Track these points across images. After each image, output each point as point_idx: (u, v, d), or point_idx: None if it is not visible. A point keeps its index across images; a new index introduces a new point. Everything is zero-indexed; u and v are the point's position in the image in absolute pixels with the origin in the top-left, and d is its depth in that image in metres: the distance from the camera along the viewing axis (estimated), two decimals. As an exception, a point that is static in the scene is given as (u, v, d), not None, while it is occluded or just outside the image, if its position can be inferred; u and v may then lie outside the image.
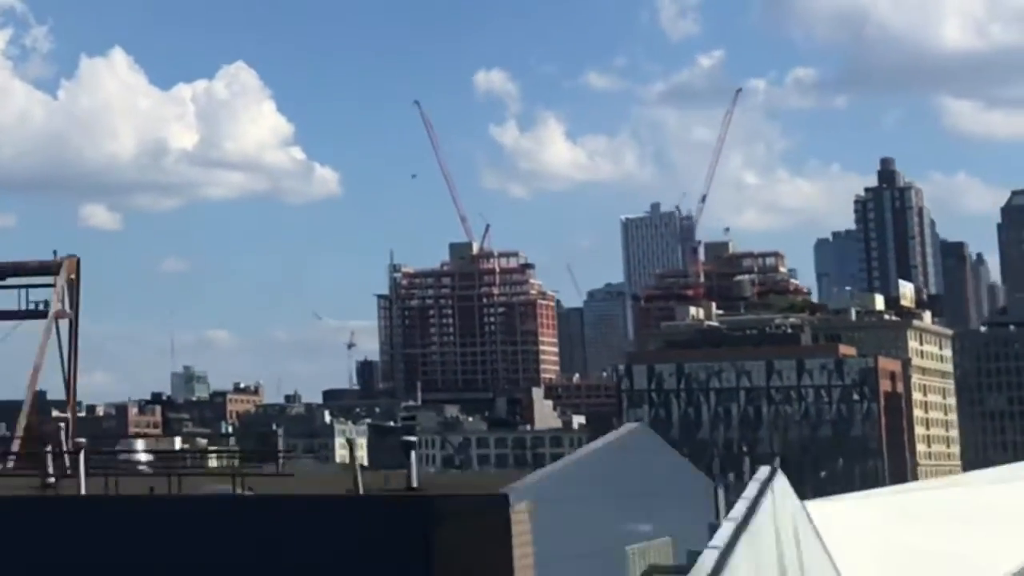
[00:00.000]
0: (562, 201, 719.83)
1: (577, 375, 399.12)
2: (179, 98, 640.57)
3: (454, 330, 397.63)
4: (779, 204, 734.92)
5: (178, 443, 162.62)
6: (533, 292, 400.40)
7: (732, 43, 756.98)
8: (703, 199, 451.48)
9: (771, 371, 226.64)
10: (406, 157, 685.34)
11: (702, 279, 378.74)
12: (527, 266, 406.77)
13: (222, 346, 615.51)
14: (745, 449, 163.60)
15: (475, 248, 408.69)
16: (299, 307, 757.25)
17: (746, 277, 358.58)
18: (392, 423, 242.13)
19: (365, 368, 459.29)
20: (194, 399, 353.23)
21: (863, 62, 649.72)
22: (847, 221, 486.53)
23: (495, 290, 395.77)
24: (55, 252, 64.11)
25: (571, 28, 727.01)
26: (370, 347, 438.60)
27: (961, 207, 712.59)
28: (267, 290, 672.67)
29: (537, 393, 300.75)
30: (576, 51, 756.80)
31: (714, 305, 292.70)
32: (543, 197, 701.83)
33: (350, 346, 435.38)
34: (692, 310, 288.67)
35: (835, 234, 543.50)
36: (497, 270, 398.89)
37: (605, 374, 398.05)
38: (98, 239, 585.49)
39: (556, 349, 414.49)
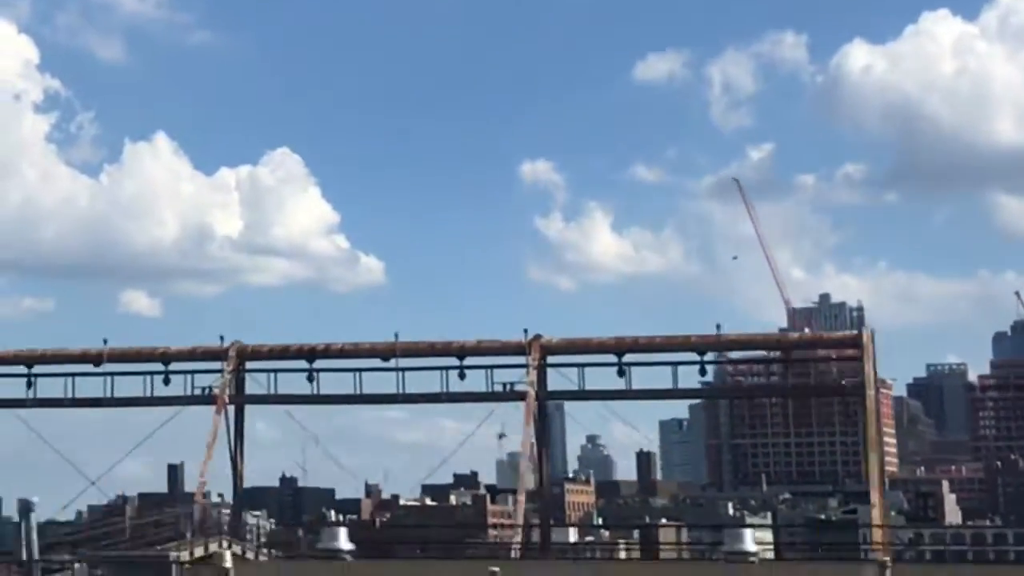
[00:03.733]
0: (615, 293, 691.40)
1: (922, 468, 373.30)
2: (223, 184, 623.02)
3: (785, 419, 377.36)
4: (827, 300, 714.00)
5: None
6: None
7: (783, 136, 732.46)
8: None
9: None
10: (452, 247, 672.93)
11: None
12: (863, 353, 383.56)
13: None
14: None
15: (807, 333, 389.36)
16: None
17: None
18: (822, 517, 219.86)
19: (643, 459, 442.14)
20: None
21: (914, 158, 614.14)
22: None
23: (831, 378, 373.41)
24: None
25: (620, 120, 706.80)
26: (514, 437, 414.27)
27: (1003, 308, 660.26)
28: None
29: (945, 486, 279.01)
30: (625, 143, 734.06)
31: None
32: (592, 290, 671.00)
33: (501, 436, 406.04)
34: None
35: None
36: (833, 356, 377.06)
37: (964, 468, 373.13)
38: (137, 325, 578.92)
39: (895, 440, 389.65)
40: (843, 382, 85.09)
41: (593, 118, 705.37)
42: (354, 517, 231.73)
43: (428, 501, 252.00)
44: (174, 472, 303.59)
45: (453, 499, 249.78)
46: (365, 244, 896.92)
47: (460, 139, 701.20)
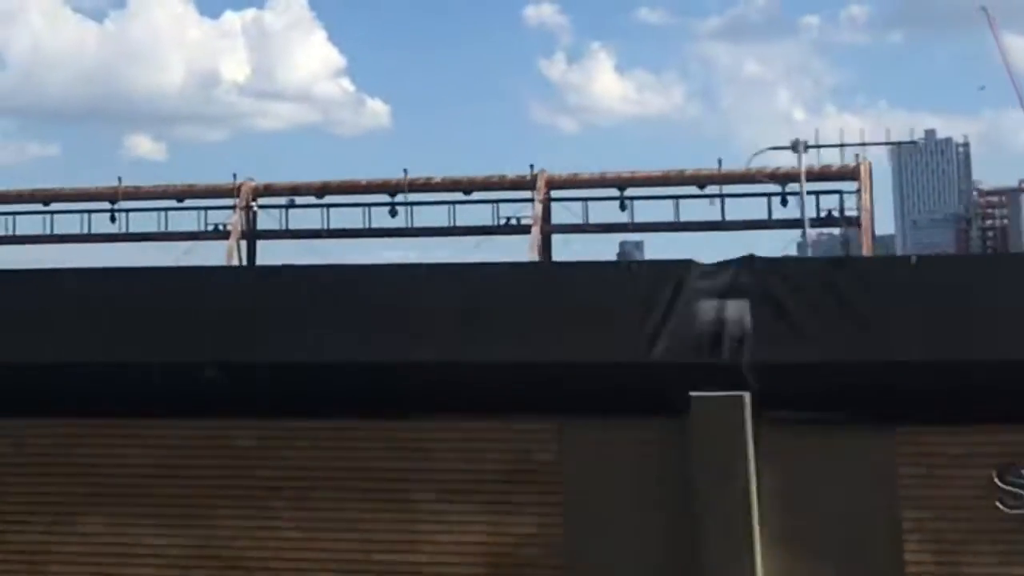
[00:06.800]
0: (616, 134, 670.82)
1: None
2: (229, 29, 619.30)
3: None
4: (827, 140, 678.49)
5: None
6: None
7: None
8: None
9: None
10: (458, 89, 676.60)
11: None
12: None
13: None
14: None
15: None
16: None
17: None
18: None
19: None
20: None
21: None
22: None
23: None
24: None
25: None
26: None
27: (1010, 144, 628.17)
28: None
29: None
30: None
31: None
32: (594, 131, 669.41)
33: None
34: None
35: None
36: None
37: None
38: (142, 169, 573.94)
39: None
40: None
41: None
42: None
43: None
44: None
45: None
46: (371, 87, 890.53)
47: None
